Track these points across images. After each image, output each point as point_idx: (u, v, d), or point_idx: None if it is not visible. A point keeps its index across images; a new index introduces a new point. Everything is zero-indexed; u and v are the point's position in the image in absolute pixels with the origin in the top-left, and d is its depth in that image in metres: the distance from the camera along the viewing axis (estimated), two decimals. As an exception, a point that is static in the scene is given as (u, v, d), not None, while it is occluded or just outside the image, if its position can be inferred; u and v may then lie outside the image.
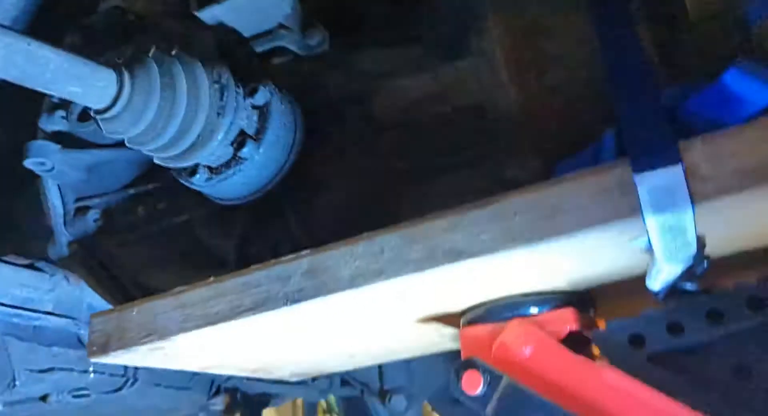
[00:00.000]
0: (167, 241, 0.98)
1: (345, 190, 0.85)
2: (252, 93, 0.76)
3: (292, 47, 0.87)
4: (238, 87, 0.76)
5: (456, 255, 0.63)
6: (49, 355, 1.43)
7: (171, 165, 0.75)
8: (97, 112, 0.65)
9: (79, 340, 1.41)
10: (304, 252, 0.73)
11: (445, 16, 0.85)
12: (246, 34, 0.88)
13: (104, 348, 0.83)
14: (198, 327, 0.76)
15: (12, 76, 0.55)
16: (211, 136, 0.72)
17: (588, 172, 0.59)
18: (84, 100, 0.62)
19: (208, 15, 0.82)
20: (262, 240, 0.88)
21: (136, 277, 1.02)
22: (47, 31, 1.16)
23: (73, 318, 1.33)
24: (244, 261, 0.89)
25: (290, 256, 0.73)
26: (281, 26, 0.86)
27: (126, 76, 0.64)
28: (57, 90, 0.59)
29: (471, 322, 0.80)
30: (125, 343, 0.81)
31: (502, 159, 0.82)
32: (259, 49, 0.88)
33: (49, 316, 1.29)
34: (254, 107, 0.76)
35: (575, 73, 0.80)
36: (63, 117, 0.97)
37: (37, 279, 1.26)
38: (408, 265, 0.66)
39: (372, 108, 0.88)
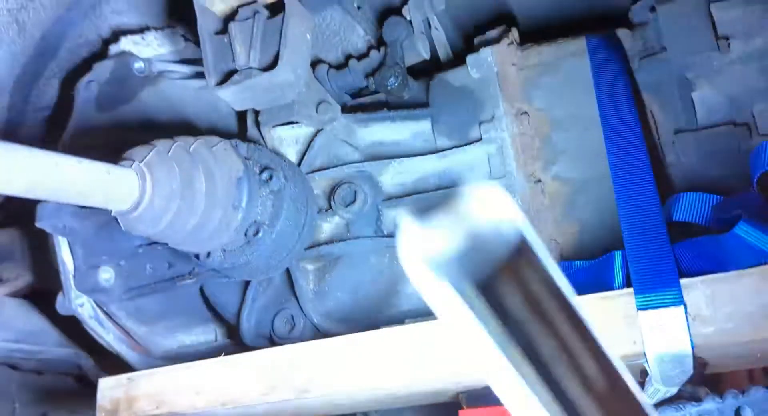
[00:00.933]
0: (175, 299, 0.99)
1: (355, 266, 0.87)
2: (267, 179, 0.78)
3: (305, 122, 0.89)
4: (252, 173, 0.77)
5: (459, 367, 0.66)
6: (50, 379, 1.46)
7: (184, 250, 0.76)
8: (119, 213, 0.66)
9: (79, 367, 1.44)
10: (311, 343, 0.75)
11: (458, 99, 0.87)
12: (261, 107, 0.89)
13: (113, 415, 0.85)
14: (208, 405, 0.78)
15: (39, 196, 0.56)
16: (227, 227, 0.74)
17: (595, 298, 0.62)
18: (107, 206, 0.63)
19: (226, 92, 0.83)
20: (270, 309, 0.90)
21: (143, 330, 1.04)
22: (52, 70, 1.17)
23: (76, 349, 1.35)
24: (250, 327, 0.92)
25: (298, 344, 0.76)
26: (295, 103, 0.88)
27: (148, 179, 0.65)
28: (81, 201, 0.60)
29: (470, 404, 0.82)
30: (134, 413, 0.83)
31: (506, 243, 0.84)
32: (272, 123, 0.89)
33: (52, 349, 1.31)
34: (268, 193, 0.78)
35: (582, 165, 0.82)
36: (74, 174, 0.98)
37: (42, 315, 1.28)
38: (411, 369, 0.68)
39: (381, 181, 0.90)
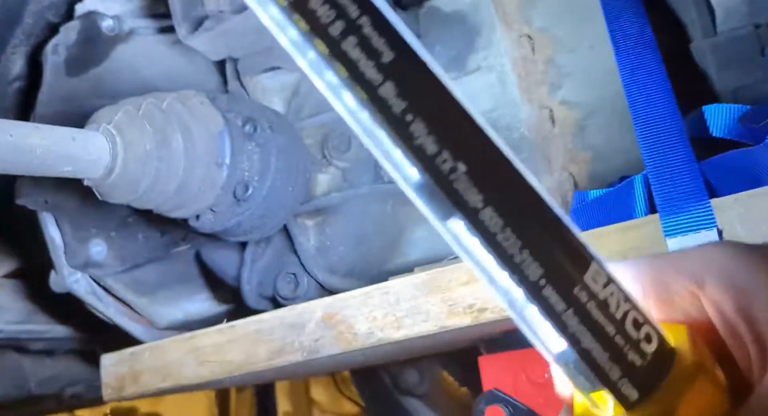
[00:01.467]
0: (172, 266, 0.95)
1: (356, 217, 0.82)
2: (251, 132, 0.72)
3: (287, 66, 0.82)
4: (234, 126, 0.72)
5: (478, 311, 0.61)
6: (62, 357, 1.44)
7: (171, 216, 0.71)
8: (92, 181, 0.61)
9: (89, 341, 1.41)
10: (316, 301, 0.70)
11: (452, 27, 0.80)
12: (238, 55, 0.83)
13: (119, 391, 0.82)
14: (214, 375, 0.75)
15: (-3, 169, 0.51)
16: (212, 186, 0.68)
17: (616, 229, 0.56)
18: (77, 175, 0.58)
19: (198, 41, 0.76)
20: (271, 269, 0.85)
21: (143, 301, 1.00)
22: (18, 38, 1.10)
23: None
24: (252, 290, 0.87)
25: (303, 303, 0.71)
26: (275, 45, 0.81)
27: (118, 141, 0.60)
28: (48, 172, 0.55)
29: (489, 350, 0.79)
30: (140, 387, 0.80)
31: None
32: (253, 71, 0.83)
33: (57, 326, 1.28)
34: (254, 146, 0.72)
35: (591, 87, 0.75)
36: (51, 145, 0.92)
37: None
38: (427, 319, 0.64)
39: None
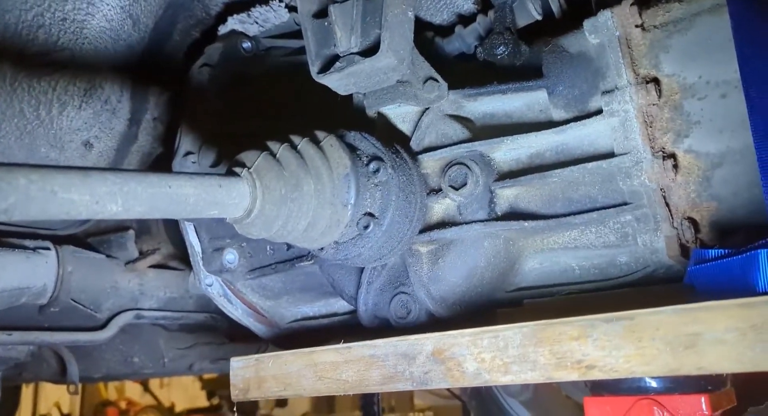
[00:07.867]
0: (295, 277, 1.02)
1: (469, 250, 0.85)
2: (375, 171, 0.76)
3: (409, 102, 0.85)
4: (360, 165, 0.76)
5: (586, 368, 0.63)
6: (192, 337, 1.58)
7: (299, 247, 0.77)
8: (232, 220, 0.67)
9: (215, 328, 1.54)
10: (427, 335, 0.74)
11: (576, 67, 0.80)
12: (365, 91, 0.87)
13: (245, 393, 0.90)
14: (330, 390, 0.81)
15: (155, 215, 0.58)
16: (338, 224, 0.73)
17: (738, 303, 0.56)
18: (221, 216, 0.65)
19: (329, 80, 0.81)
20: (386, 291, 0.90)
21: (268, 304, 1.09)
22: (167, 54, 1.20)
23: (211, 313, 1.45)
24: (367, 310, 0.92)
25: (414, 336, 0.76)
26: (399, 83, 0.85)
27: (257, 186, 0.66)
28: (197, 216, 0.62)
29: (595, 391, 0.79)
30: (263, 392, 0.88)
31: (631, 223, 0.78)
32: (378, 106, 0.87)
33: (190, 314, 1.41)
34: (376, 185, 0.77)
35: (722, 138, 0.73)
36: (193, 162, 1.01)
37: (179, 283, 1.37)
38: (534, 369, 0.66)
39: (494, 157, 0.86)
